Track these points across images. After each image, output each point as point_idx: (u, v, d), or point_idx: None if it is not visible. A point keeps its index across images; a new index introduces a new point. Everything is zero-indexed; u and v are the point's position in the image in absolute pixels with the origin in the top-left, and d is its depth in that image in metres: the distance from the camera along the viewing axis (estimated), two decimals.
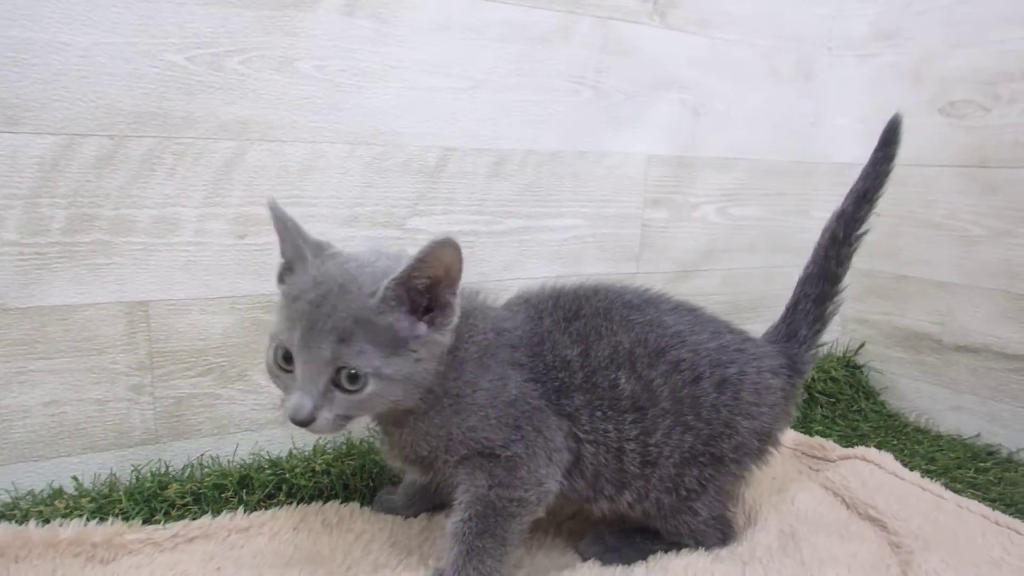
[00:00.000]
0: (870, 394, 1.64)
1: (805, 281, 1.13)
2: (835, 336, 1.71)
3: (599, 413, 0.96)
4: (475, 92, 1.29)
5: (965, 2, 1.45)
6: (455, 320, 0.87)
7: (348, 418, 0.84)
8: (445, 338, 0.87)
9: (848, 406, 1.59)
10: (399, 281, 0.82)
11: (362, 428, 1.27)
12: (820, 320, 1.13)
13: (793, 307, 1.14)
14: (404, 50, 1.22)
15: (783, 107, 1.61)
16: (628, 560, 1.01)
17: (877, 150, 1.07)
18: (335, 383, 0.82)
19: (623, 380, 0.96)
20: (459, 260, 0.83)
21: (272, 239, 0.89)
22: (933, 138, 1.50)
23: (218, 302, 1.15)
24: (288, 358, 0.83)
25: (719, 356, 1.01)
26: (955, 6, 1.47)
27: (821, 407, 1.55)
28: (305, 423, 0.81)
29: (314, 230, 0.91)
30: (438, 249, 0.81)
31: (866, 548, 1.03)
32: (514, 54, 1.32)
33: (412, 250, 0.82)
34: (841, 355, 1.69)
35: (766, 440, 1.05)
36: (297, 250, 0.86)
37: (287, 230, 0.86)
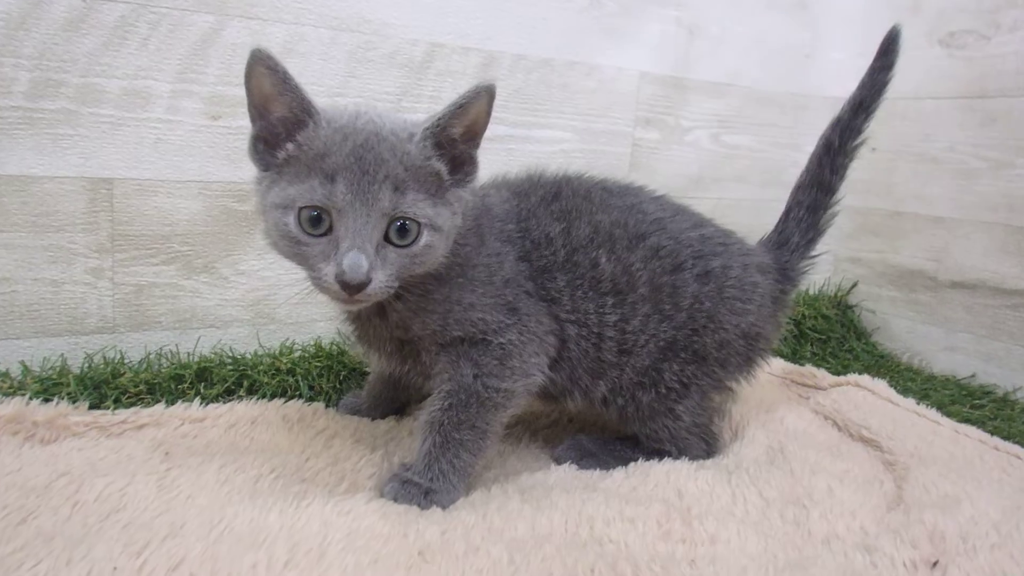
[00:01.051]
0: (861, 334, 1.60)
1: (798, 189, 1.10)
2: (827, 275, 1.67)
3: (580, 293, 0.92)
4: None
5: None
6: (477, 176, 0.83)
7: (396, 281, 0.77)
8: (468, 196, 0.83)
9: (839, 345, 1.55)
10: (438, 127, 0.77)
11: (331, 329, 1.22)
12: (813, 229, 1.10)
13: (785, 215, 1.11)
14: None
15: (778, 35, 1.58)
16: (606, 466, 0.95)
17: (875, 60, 1.05)
18: (386, 238, 0.76)
19: (603, 260, 0.93)
20: (489, 113, 0.79)
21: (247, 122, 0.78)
22: (931, 70, 1.47)
23: (186, 186, 1.10)
24: (316, 221, 0.75)
25: (701, 247, 0.98)
26: None
27: (811, 344, 1.51)
28: (362, 285, 0.73)
29: None
30: (481, 96, 0.76)
31: (859, 466, 0.99)
32: None
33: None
34: (833, 295, 1.65)
35: (753, 344, 1.01)
36: (304, 104, 0.76)
37: (286, 84, 0.75)
